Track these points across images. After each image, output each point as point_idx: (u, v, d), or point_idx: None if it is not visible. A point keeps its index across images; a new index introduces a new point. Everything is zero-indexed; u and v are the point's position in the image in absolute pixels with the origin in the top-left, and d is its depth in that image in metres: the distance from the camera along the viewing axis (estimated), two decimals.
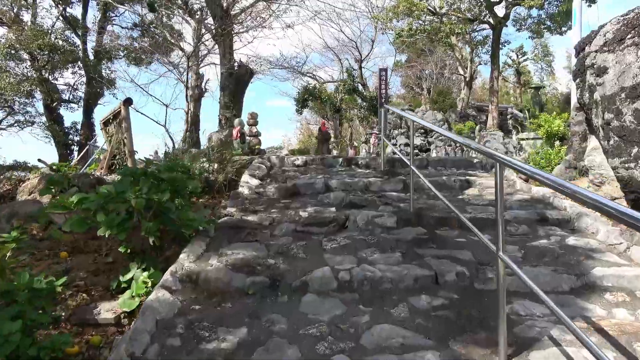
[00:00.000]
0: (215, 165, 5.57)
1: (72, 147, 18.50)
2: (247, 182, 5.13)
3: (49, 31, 17.18)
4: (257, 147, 10.24)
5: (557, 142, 8.31)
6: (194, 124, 12.13)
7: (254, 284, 2.74)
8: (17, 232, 3.13)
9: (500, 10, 18.62)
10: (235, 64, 12.88)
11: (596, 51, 4.02)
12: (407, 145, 18.54)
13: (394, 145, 18.38)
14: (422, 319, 2.37)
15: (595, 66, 4.00)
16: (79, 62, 18.13)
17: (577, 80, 4.48)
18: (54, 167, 6.35)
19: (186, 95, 11.37)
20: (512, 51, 30.79)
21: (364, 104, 23.91)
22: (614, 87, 3.73)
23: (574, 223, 3.83)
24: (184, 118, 11.60)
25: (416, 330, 2.26)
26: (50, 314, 2.57)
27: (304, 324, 2.35)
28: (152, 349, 2.15)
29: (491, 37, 20.12)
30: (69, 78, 32.07)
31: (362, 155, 21.90)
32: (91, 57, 18.39)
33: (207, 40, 13.59)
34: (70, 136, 18.78)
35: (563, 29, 20.08)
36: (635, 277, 2.73)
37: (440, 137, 18.17)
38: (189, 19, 14.27)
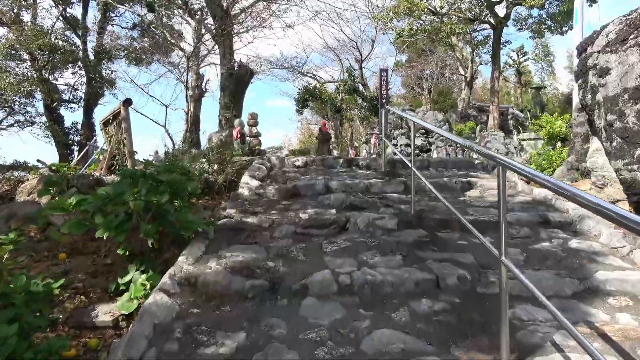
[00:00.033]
0: (215, 166, 5.54)
1: (73, 147, 18.50)
2: (247, 183, 5.11)
3: (49, 31, 17.17)
4: (257, 147, 10.21)
5: (559, 143, 8.27)
6: (194, 124, 12.10)
7: (253, 287, 2.71)
8: (14, 233, 3.11)
9: (501, 10, 18.62)
10: (236, 64, 12.85)
11: (598, 52, 3.99)
12: (407, 145, 18.51)
13: (395, 145, 18.35)
14: (423, 323, 2.34)
15: (597, 67, 3.96)
16: (79, 62, 18.13)
17: (579, 81, 4.44)
18: (53, 168, 6.32)
19: (186, 95, 11.34)
20: (513, 51, 30.78)
21: (365, 104, 23.87)
22: (617, 88, 3.70)
23: (576, 225, 3.79)
24: (184, 118, 11.57)
25: (417, 335, 2.23)
26: (48, 317, 2.55)
27: (303, 328, 2.32)
28: (150, 354, 2.13)
29: (492, 37, 20.10)
30: (69, 78, 32.08)
31: (362, 155, 21.89)
32: (91, 57, 18.39)
33: (207, 40, 13.57)
34: (71, 136, 18.78)
35: (564, 28, 20.05)
36: (639, 281, 2.70)
37: (440, 138, 18.13)
38: (189, 19, 14.25)
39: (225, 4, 12.49)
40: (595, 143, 4.59)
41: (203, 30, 13.13)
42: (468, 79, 25.11)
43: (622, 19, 3.89)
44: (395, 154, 7.82)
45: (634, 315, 2.41)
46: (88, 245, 3.97)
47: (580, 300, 2.59)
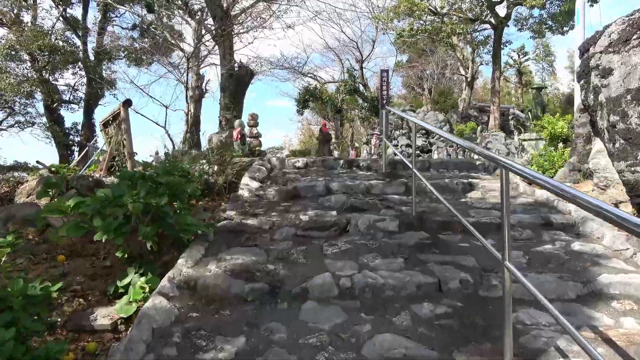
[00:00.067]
0: (215, 168, 5.52)
1: (73, 147, 18.50)
2: (247, 185, 5.08)
3: (49, 32, 17.15)
4: (257, 148, 10.18)
5: (561, 144, 8.24)
6: (194, 125, 12.07)
7: (253, 291, 2.68)
8: (12, 236, 3.09)
9: (501, 10, 18.57)
10: (236, 64, 12.83)
11: (601, 52, 3.96)
12: (408, 146, 18.48)
13: (395, 146, 18.32)
14: (425, 328, 2.31)
15: (600, 67, 3.93)
16: (80, 63, 18.11)
17: (582, 81, 4.41)
18: (53, 169, 6.30)
19: (186, 96, 11.31)
20: (514, 51, 30.71)
21: (365, 104, 23.82)
22: (620, 88, 3.67)
23: (579, 227, 3.76)
24: (184, 119, 11.54)
25: (419, 340, 2.20)
26: (46, 321, 2.52)
27: (303, 332, 2.29)
28: (148, 359, 2.10)
29: (492, 37, 20.07)
30: (69, 79, 32.15)
31: (363, 156, 21.87)
32: (91, 57, 18.38)
33: (208, 40, 13.54)
34: (71, 137, 18.78)
35: (565, 28, 20.02)
36: None
37: (441, 138, 18.09)
38: (189, 19, 14.22)
39: (225, 5, 12.47)
40: (597, 144, 4.55)
41: (203, 31, 13.11)
42: (469, 79, 25.08)
43: (625, 19, 3.85)
44: (395, 154, 7.79)
45: (638, 319, 2.37)
46: (87, 247, 3.94)
47: (583, 304, 2.56)
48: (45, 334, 2.64)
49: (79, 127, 18.80)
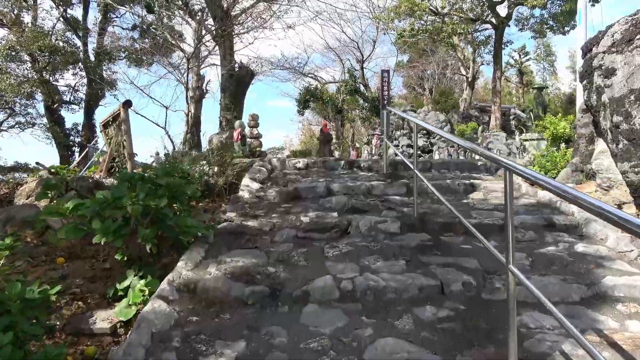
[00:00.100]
0: (215, 169, 5.49)
1: (73, 148, 18.51)
2: (248, 186, 5.05)
3: (50, 32, 17.17)
4: (258, 149, 10.17)
5: (563, 145, 8.20)
6: (194, 125, 12.04)
7: (253, 294, 2.66)
8: (10, 238, 3.07)
9: (502, 10, 18.54)
10: (236, 65, 12.80)
11: (604, 52, 3.93)
12: (409, 146, 18.44)
13: (396, 146, 18.29)
14: (427, 331, 2.28)
15: (603, 67, 3.90)
16: (80, 64, 18.13)
17: (584, 81, 4.38)
18: (52, 170, 6.28)
19: (186, 96, 11.28)
20: (515, 51, 30.68)
21: (366, 104, 23.79)
22: (623, 89, 3.64)
23: (582, 229, 3.73)
24: (185, 120, 11.51)
25: (421, 344, 2.17)
26: (44, 324, 2.50)
27: (304, 336, 2.26)
28: None
29: (493, 37, 20.04)
30: (69, 79, 32.08)
31: (364, 156, 21.84)
32: (92, 58, 18.38)
33: (208, 41, 13.52)
34: (72, 137, 18.80)
35: (566, 28, 19.98)
36: None
37: (442, 139, 18.05)
38: (189, 19, 14.19)
39: (225, 5, 12.45)
40: (600, 144, 4.52)
41: (203, 31, 13.08)
42: (470, 79, 25.02)
43: (628, 19, 3.83)
44: (396, 155, 7.75)
45: None
46: (86, 249, 3.92)
47: (588, 307, 2.53)
48: (44, 337, 2.61)
49: (80, 128, 18.82)
